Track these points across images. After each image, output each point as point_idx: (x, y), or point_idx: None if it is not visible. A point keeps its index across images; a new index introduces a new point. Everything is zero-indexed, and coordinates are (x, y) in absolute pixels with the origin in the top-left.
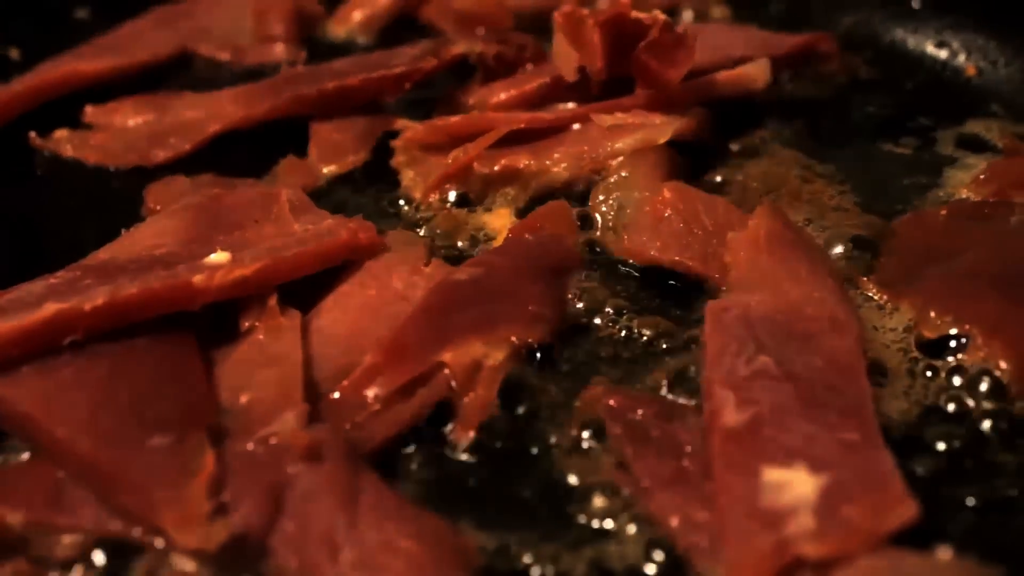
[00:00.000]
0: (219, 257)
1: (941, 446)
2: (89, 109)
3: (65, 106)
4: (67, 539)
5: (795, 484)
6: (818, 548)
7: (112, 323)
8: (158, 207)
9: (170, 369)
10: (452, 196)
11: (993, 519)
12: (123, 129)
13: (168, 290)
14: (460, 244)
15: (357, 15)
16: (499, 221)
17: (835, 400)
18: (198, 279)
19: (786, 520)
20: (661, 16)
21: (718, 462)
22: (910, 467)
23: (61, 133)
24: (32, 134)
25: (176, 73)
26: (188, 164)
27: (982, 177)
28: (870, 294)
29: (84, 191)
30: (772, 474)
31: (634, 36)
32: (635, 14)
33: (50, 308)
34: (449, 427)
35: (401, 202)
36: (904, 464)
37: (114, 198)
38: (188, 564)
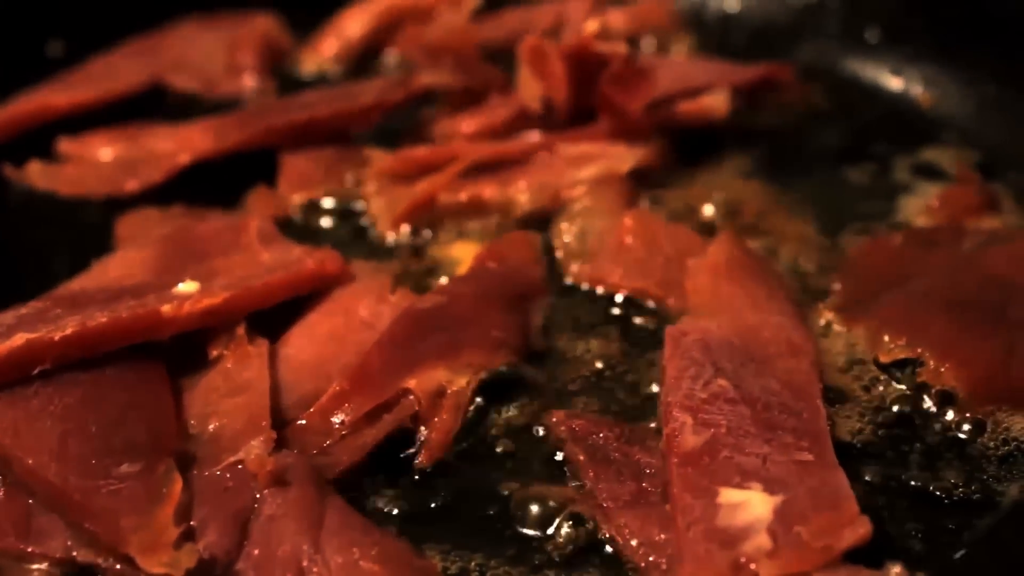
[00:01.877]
0: (188, 287)
1: (893, 467)
2: (62, 141)
3: (38, 138)
4: (36, 568)
5: (751, 504)
6: (773, 567)
7: (82, 352)
8: (128, 238)
9: (139, 397)
10: (418, 226)
11: (944, 538)
12: (95, 161)
13: (137, 320)
14: (425, 273)
15: (328, 47)
16: (464, 250)
17: (790, 421)
18: (167, 308)
19: (742, 539)
20: (622, 49)
21: (676, 483)
22: (863, 486)
23: (34, 165)
24: (6, 166)
25: (148, 105)
26: (159, 194)
27: (935, 204)
28: (826, 319)
29: (56, 222)
30: (728, 495)
31: (596, 68)
32: (597, 47)
33: (20, 338)
34: (413, 451)
35: (368, 232)
36: (857, 483)
37: (86, 230)
38: None
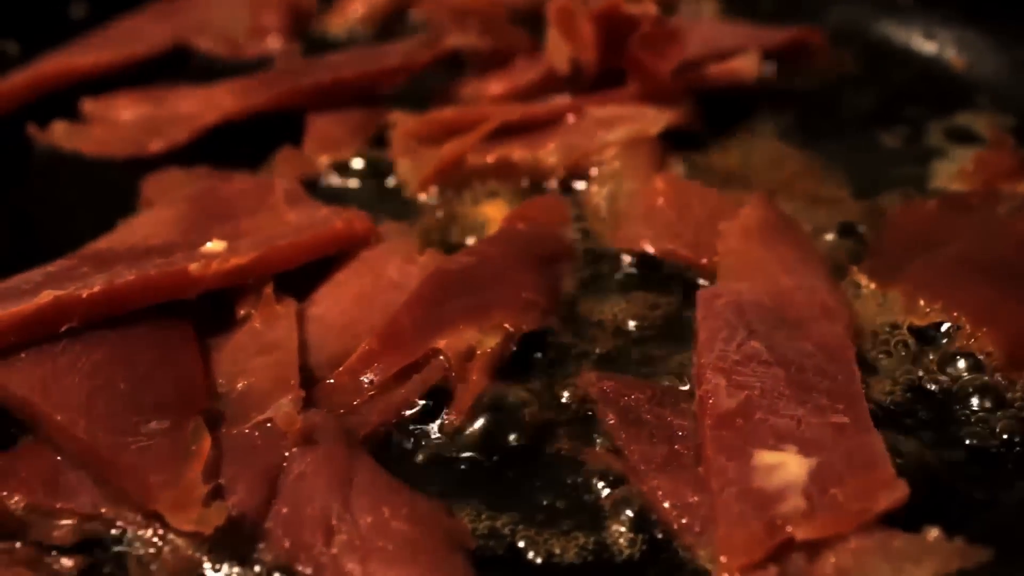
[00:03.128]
0: (215, 246)
1: (929, 430)
2: (87, 102)
3: (62, 100)
4: (65, 523)
5: (786, 466)
6: (809, 529)
7: (110, 311)
8: (154, 198)
9: (167, 356)
10: (446, 187)
11: (981, 501)
12: (120, 121)
13: (165, 278)
14: (454, 235)
15: (354, 9)
16: (492, 212)
17: (825, 384)
18: (194, 267)
19: (777, 502)
20: (653, 9)
21: (710, 445)
22: (899, 450)
23: (59, 125)
24: (30, 126)
25: (172, 67)
26: (184, 155)
27: (970, 168)
28: (859, 282)
29: (81, 183)
30: (763, 457)
31: (626, 29)
32: (627, 8)
33: (48, 295)
34: (443, 412)
35: (395, 193)
36: (893, 446)
37: (110, 190)
38: (184, 547)
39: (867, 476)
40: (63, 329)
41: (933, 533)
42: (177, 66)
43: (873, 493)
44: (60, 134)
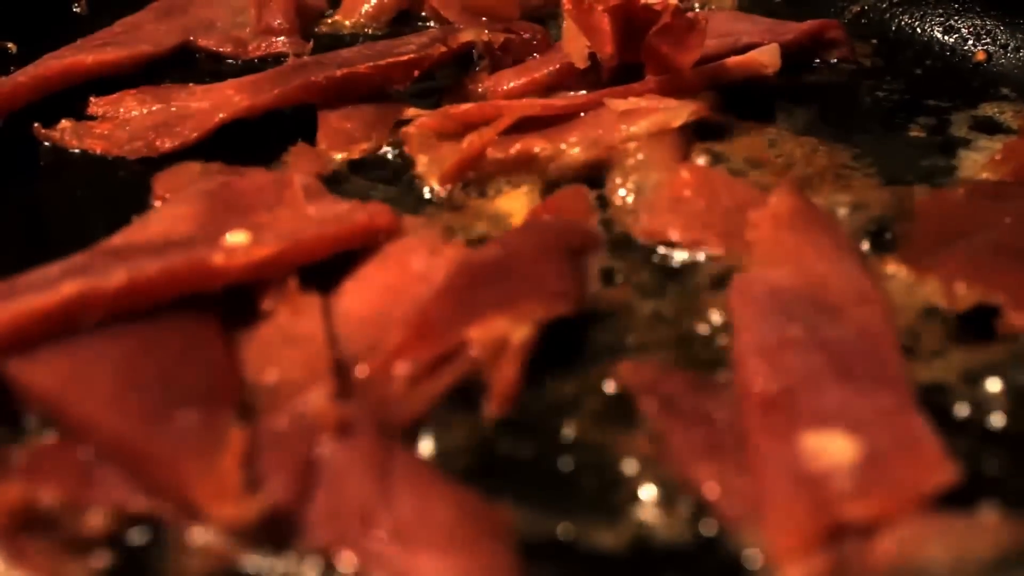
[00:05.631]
0: (238, 238)
1: (977, 411)
2: (94, 101)
3: (67, 99)
4: (96, 518)
5: (833, 448)
6: (860, 509)
7: (132, 304)
8: (167, 195)
9: (194, 348)
10: (467, 182)
11: None
12: (128, 119)
13: (189, 269)
14: (477, 229)
15: (364, 6)
16: (515, 206)
17: (867, 367)
18: (219, 258)
19: (825, 483)
20: (672, 1)
21: (754, 429)
22: (948, 431)
23: (65, 124)
24: (36, 125)
25: (178, 67)
26: (195, 154)
27: (998, 158)
28: (893, 270)
29: (90, 181)
30: (810, 439)
31: (644, 22)
32: (645, 0)
33: (70, 288)
34: (480, 403)
35: (413, 189)
36: (942, 428)
37: (121, 188)
38: (220, 539)
39: (916, 457)
40: (86, 323)
41: (990, 512)
42: (183, 65)
43: (923, 474)
44: (67, 133)
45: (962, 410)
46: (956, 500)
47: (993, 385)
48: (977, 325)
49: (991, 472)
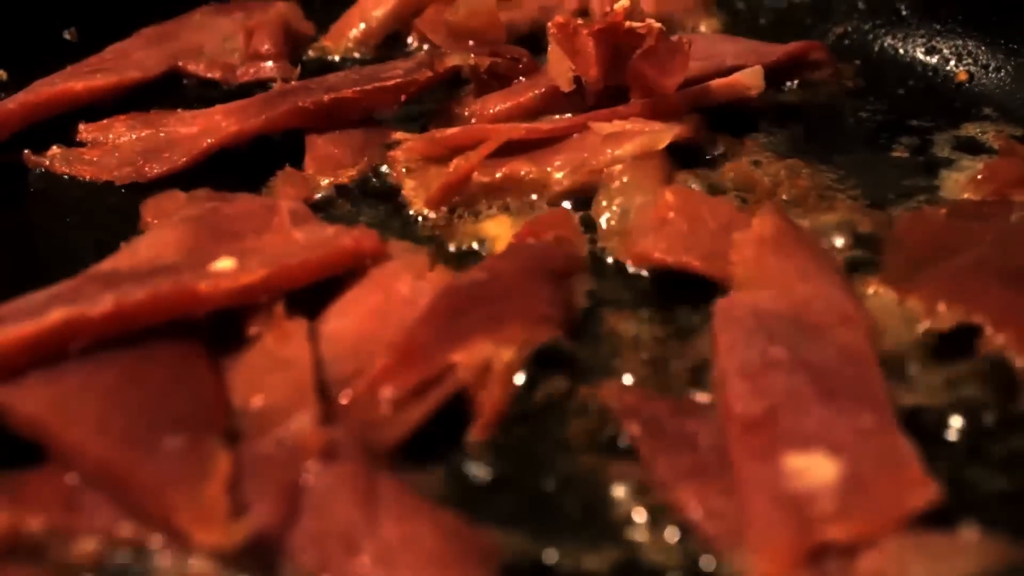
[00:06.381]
0: (225, 264)
1: (958, 432)
2: (83, 126)
3: (57, 125)
4: (84, 544)
5: (816, 469)
6: (843, 530)
7: (119, 329)
8: (155, 221)
9: (180, 373)
10: (453, 205)
11: (1017, 504)
12: (117, 145)
13: (176, 295)
14: (463, 252)
15: (351, 32)
16: (501, 229)
17: (849, 388)
18: (204, 285)
19: (809, 504)
20: (656, 24)
21: (737, 451)
22: (929, 451)
23: (55, 150)
24: (26, 151)
25: (167, 93)
26: (183, 179)
27: (980, 177)
28: (876, 291)
29: (79, 207)
30: (792, 459)
31: (629, 45)
32: (629, 24)
33: (57, 314)
34: (465, 427)
35: (400, 212)
36: (923, 448)
37: (110, 214)
38: (206, 565)
39: (898, 477)
40: (73, 349)
41: (970, 532)
42: (172, 91)
43: (905, 493)
44: (57, 159)
45: (944, 430)
46: (937, 520)
47: (974, 405)
48: (959, 345)
49: (972, 491)
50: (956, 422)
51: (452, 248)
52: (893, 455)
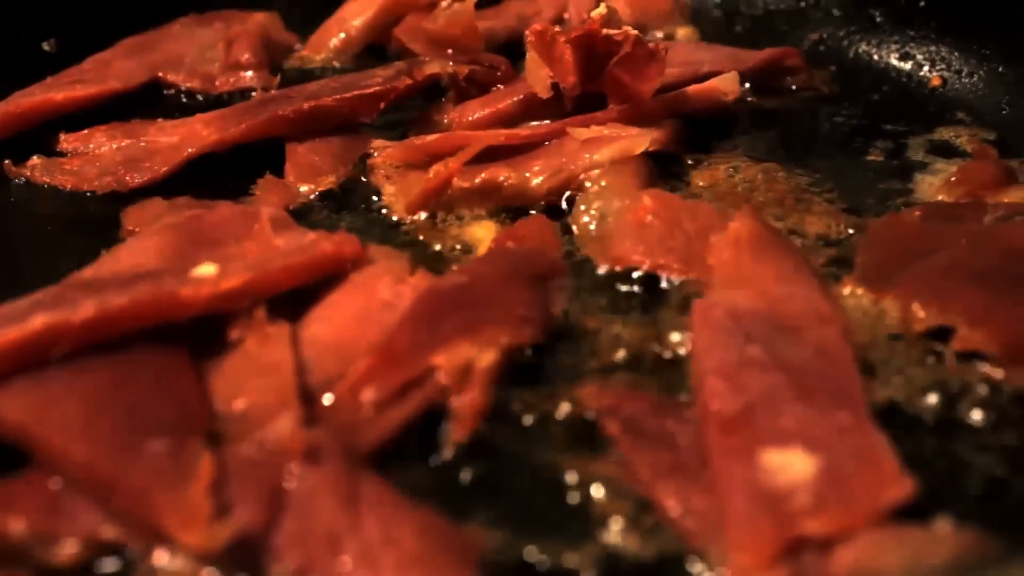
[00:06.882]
0: (206, 269)
1: (933, 431)
2: (63, 136)
3: (38, 136)
4: (67, 547)
5: (792, 465)
6: (819, 524)
7: (101, 336)
8: (136, 229)
9: (163, 378)
10: (433, 211)
11: (990, 497)
12: (98, 155)
13: (157, 301)
14: (443, 257)
15: (331, 41)
16: (481, 234)
17: (825, 386)
18: (186, 291)
19: (786, 500)
20: (633, 31)
21: (715, 448)
22: (904, 448)
23: (36, 160)
24: (7, 162)
25: (147, 103)
26: (164, 188)
27: (953, 180)
28: (852, 292)
29: (60, 216)
30: (769, 457)
31: (606, 52)
32: (606, 31)
33: (39, 321)
34: (446, 428)
35: (380, 219)
36: (898, 445)
37: (91, 223)
38: (190, 567)
39: (873, 472)
40: (55, 355)
41: (944, 525)
42: (152, 101)
43: (880, 488)
44: (38, 169)
45: (918, 427)
46: (912, 513)
47: (949, 402)
48: (932, 344)
49: (945, 487)
50: (930, 419)
51: (433, 253)
52: (868, 451)
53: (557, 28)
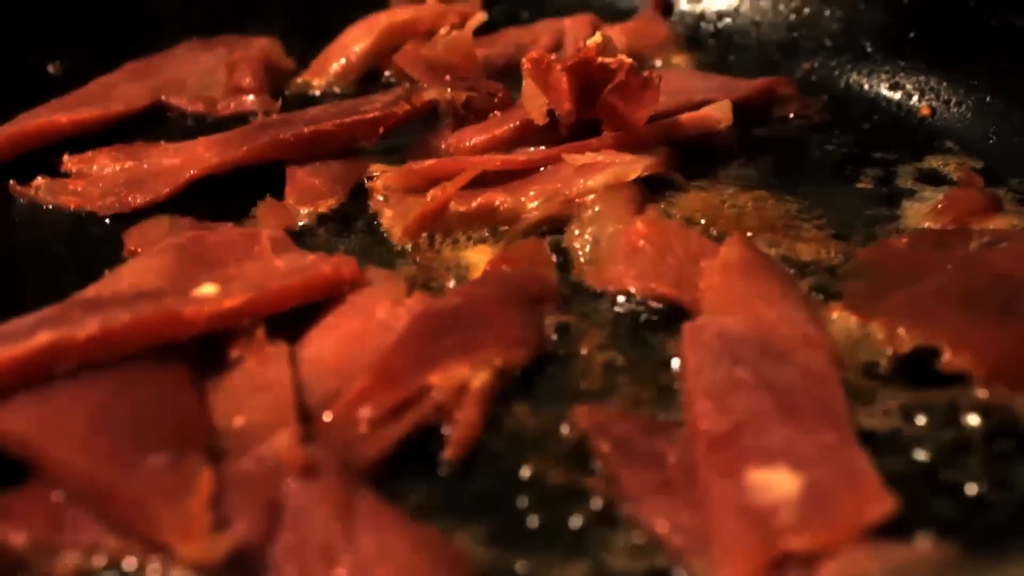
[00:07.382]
0: (208, 289)
1: (916, 451)
2: (67, 158)
3: (42, 157)
4: (67, 560)
5: (778, 483)
6: (803, 541)
7: (104, 354)
8: (138, 249)
9: (164, 394)
10: (430, 234)
11: (969, 514)
12: (101, 176)
13: (160, 319)
14: (437, 280)
15: (330, 67)
16: (477, 257)
17: (811, 406)
18: (188, 310)
19: (771, 517)
20: (627, 59)
21: (703, 467)
22: (889, 468)
23: (40, 181)
24: (12, 182)
25: (150, 126)
26: (166, 209)
27: (940, 207)
28: (839, 316)
29: (64, 236)
30: (755, 475)
31: (600, 80)
32: (601, 59)
33: (43, 337)
34: (440, 446)
35: (378, 242)
36: (883, 465)
37: (94, 242)
38: None
39: (856, 490)
40: (59, 372)
41: (925, 542)
42: (155, 124)
43: (863, 506)
44: (42, 190)
45: (901, 446)
46: (894, 531)
47: (932, 423)
48: (918, 367)
49: (927, 504)
50: (913, 439)
51: (430, 276)
52: (852, 470)
53: (553, 56)
